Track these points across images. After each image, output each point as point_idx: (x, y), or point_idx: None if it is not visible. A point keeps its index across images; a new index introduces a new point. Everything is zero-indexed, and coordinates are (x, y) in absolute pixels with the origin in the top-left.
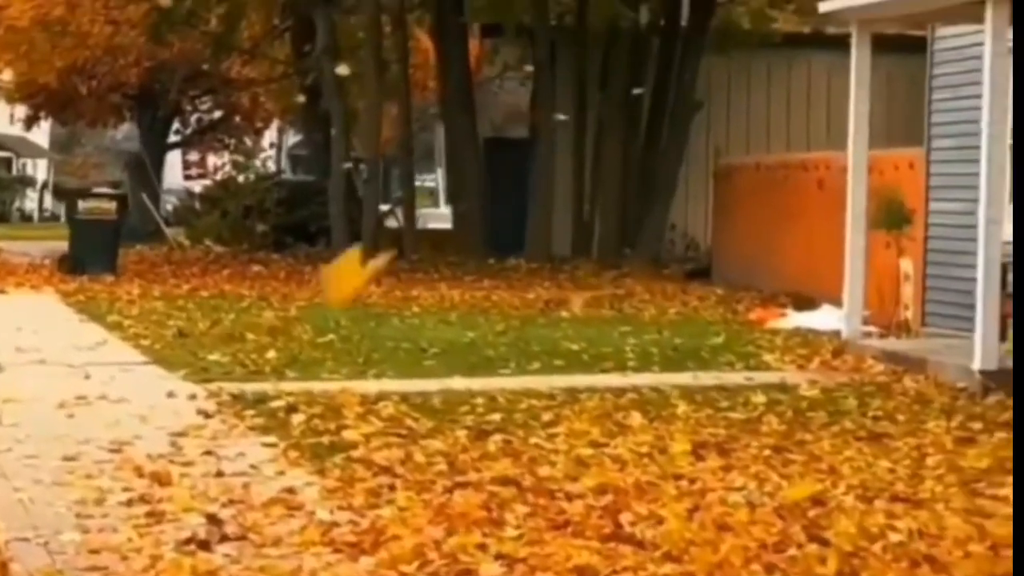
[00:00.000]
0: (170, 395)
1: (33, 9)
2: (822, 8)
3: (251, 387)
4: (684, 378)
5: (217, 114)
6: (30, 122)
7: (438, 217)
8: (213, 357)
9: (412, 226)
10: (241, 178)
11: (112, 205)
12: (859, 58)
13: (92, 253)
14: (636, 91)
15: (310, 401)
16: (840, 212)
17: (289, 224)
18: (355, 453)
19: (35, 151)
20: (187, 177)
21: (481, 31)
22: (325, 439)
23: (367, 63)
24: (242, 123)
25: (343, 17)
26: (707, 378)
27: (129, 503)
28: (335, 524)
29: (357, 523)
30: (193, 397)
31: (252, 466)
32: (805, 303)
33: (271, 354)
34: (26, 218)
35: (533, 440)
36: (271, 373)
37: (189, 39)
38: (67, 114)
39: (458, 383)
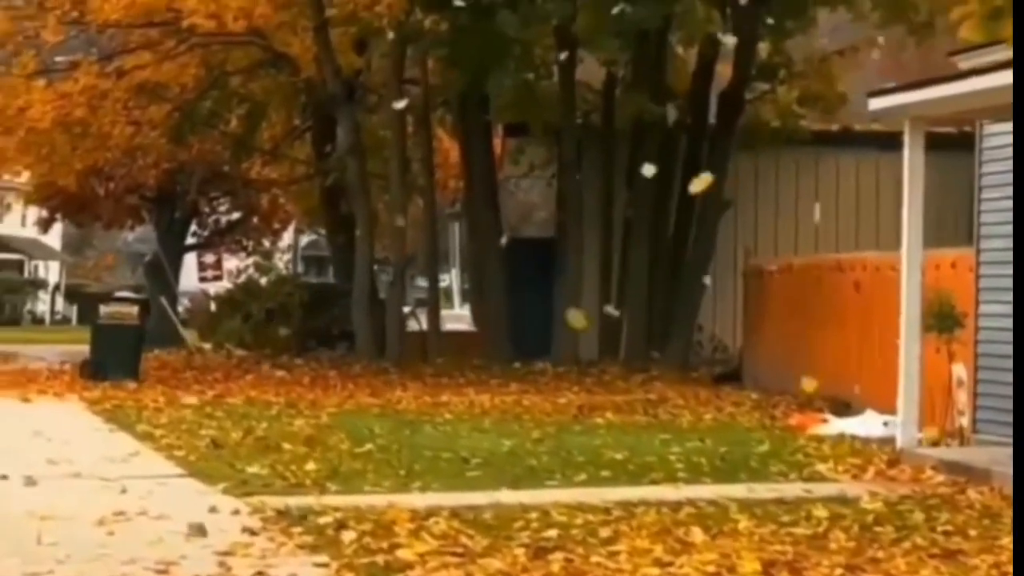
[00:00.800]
0: (212, 510)
1: (55, 110)
2: (873, 105)
3: (294, 501)
4: (739, 490)
5: (235, 215)
6: (46, 224)
7: (454, 318)
8: (252, 469)
9: (436, 329)
10: (263, 280)
11: (134, 310)
12: (912, 156)
13: (114, 358)
14: (647, 171)
15: (358, 517)
16: (878, 314)
17: (312, 328)
18: (412, 574)
19: (47, 253)
20: (202, 279)
21: (504, 130)
22: (379, 559)
23: (391, 162)
24: (260, 224)
25: (365, 116)
26: (763, 490)
27: None
28: None
29: None
30: (236, 512)
31: None
32: (842, 408)
33: (310, 465)
34: (37, 320)
35: (594, 559)
36: (313, 486)
37: (208, 140)
38: (83, 216)
39: (507, 496)
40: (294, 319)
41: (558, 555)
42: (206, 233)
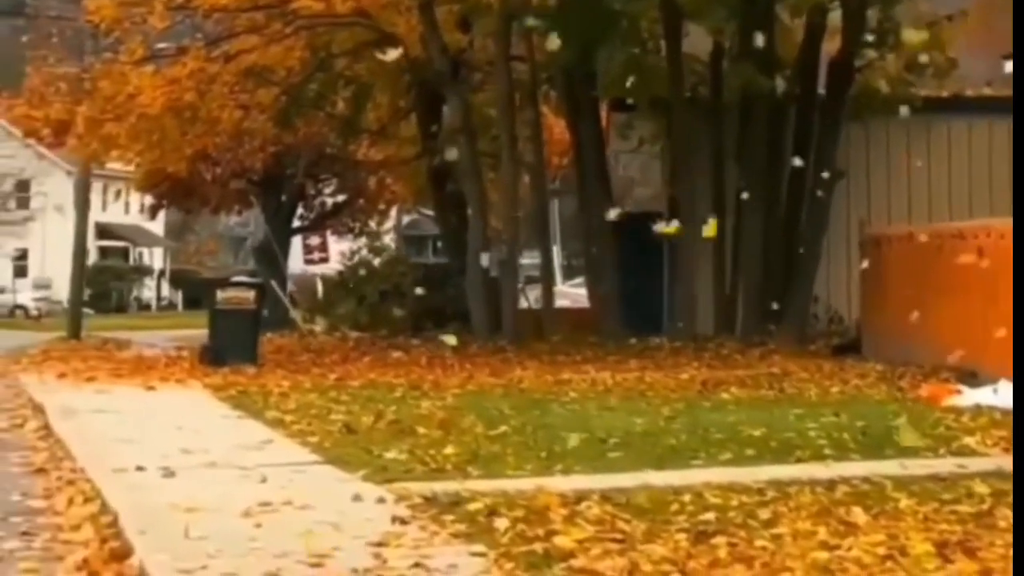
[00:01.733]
0: (356, 499)
1: (164, 95)
2: (1009, 68)
3: (440, 488)
4: (891, 467)
5: (341, 197)
6: (153, 211)
7: (559, 295)
8: (389, 455)
9: (550, 306)
10: (376, 262)
11: (251, 294)
12: None
13: (232, 344)
14: (797, 163)
15: (509, 503)
16: (1003, 282)
17: (425, 308)
18: (575, 563)
19: (150, 240)
20: (308, 261)
21: (610, 105)
22: (537, 547)
23: (501, 139)
24: (366, 205)
25: (470, 95)
26: (916, 467)
27: None
28: None
29: None
30: (382, 501)
31: None
32: (968, 378)
33: (449, 450)
34: (144, 307)
35: (759, 543)
36: (454, 471)
37: (315, 122)
38: (191, 201)
39: (655, 478)
40: (408, 300)
41: (720, 539)
42: (312, 216)
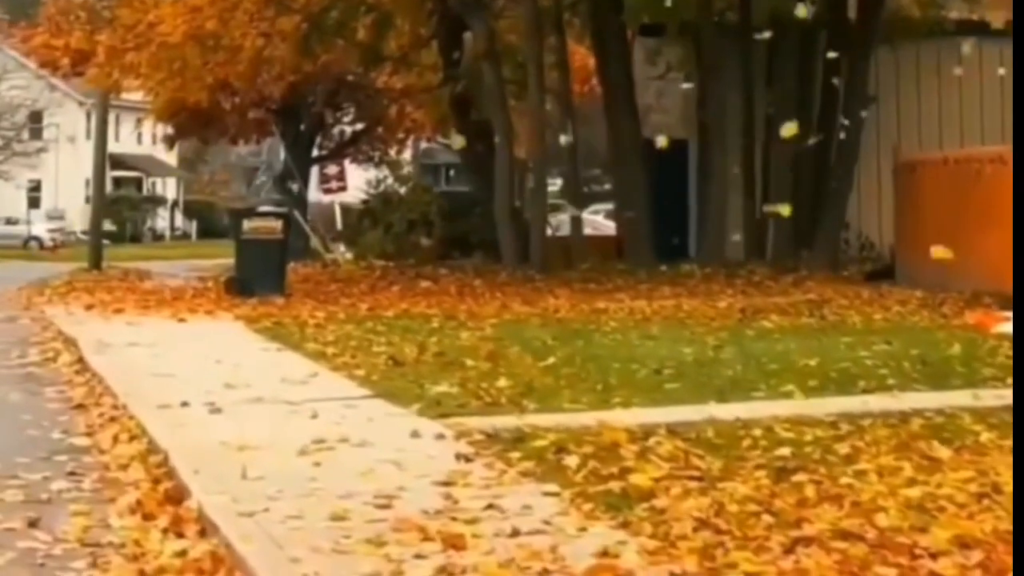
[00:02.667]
0: (415, 435)
1: (186, 24)
2: None
3: (498, 423)
4: (963, 398)
5: (360, 126)
6: (171, 141)
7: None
8: (440, 388)
9: (580, 234)
10: (403, 191)
11: (278, 224)
12: None
13: (260, 274)
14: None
15: (574, 439)
16: None
17: (451, 237)
18: (657, 503)
19: (163, 170)
20: (326, 191)
21: (636, 31)
22: (612, 485)
23: (528, 65)
24: (384, 134)
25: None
26: (990, 397)
27: None
28: None
29: None
30: (441, 437)
31: (545, 521)
32: (1010, 303)
33: (502, 383)
34: (158, 237)
35: (844, 480)
36: (508, 405)
37: (334, 50)
38: (209, 131)
39: (719, 411)
40: (435, 229)
41: (802, 477)
42: (331, 145)
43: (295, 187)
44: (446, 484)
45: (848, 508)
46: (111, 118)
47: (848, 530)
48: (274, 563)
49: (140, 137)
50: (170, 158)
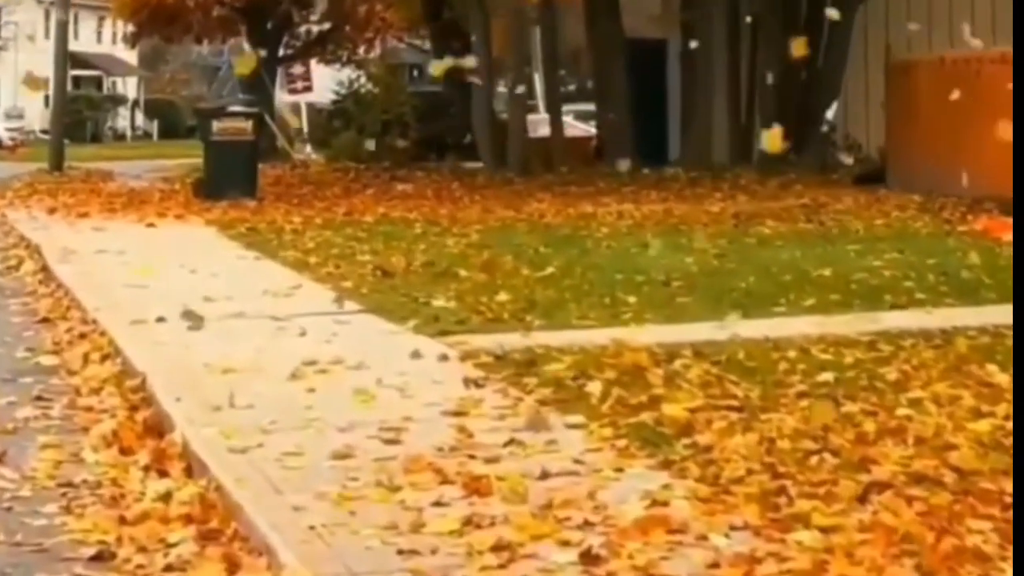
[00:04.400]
0: (415, 355)
1: None
2: None
3: (505, 342)
4: (1002, 315)
5: (328, 25)
6: (134, 39)
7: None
8: (437, 302)
9: (560, 136)
10: (376, 90)
11: (248, 124)
12: None
13: (230, 176)
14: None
15: (592, 361)
16: None
17: (426, 139)
18: (699, 439)
19: (124, 69)
20: (291, 91)
21: None
22: (645, 417)
23: None
24: (352, 34)
25: None
26: None
27: (460, 532)
28: (755, 559)
29: (783, 557)
30: (444, 358)
31: (576, 460)
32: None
33: (502, 296)
34: (119, 137)
35: (900, 411)
36: (512, 320)
37: None
38: (172, 30)
39: (743, 328)
40: (411, 130)
41: (852, 406)
42: (298, 44)
43: (263, 86)
44: (457, 414)
45: (914, 445)
46: (70, 16)
47: (923, 473)
48: (274, 512)
49: (100, 36)
50: (130, 57)
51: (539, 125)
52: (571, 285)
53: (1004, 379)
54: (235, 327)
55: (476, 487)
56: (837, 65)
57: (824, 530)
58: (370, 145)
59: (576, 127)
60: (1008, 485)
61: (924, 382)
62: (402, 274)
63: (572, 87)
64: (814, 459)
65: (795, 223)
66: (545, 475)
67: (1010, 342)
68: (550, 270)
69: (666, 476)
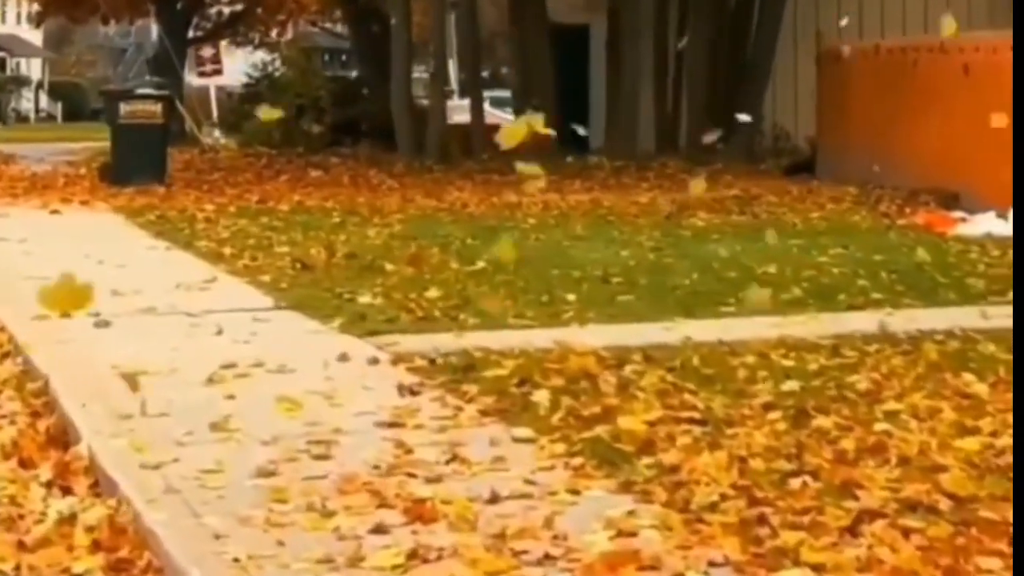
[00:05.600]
0: (343, 359)
1: None
2: None
3: (439, 343)
4: (967, 316)
5: (239, 7)
6: (40, 19)
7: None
8: (363, 299)
9: (481, 123)
10: (291, 74)
11: (158, 107)
12: None
13: (138, 161)
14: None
15: (536, 366)
16: (993, 101)
17: (342, 124)
18: (664, 458)
19: (28, 50)
20: (201, 74)
21: None
22: (600, 431)
23: None
24: (264, 16)
25: None
26: (998, 316)
27: (404, 567)
28: None
29: None
30: (375, 361)
31: (527, 480)
32: (950, 201)
33: (432, 293)
34: (22, 119)
35: (878, 426)
36: (445, 319)
37: None
38: (79, 11)
39: (693, 330)
40: (326, 115)
41: (824, 420)
42: (209, 26)
43: (173, 69)
44: (392, 425)
45: (899, 465)
46: None
47: (915, 499)
48: (193, 542)
49: (4, 15)
50: (35, 38)
51: (454, 111)
52: (504, 280)
53: (982, 389)
54: (146, 324)
55: (419, 512)
56: (767, 52)
57: (816, 568)
58: (270, 114)
59: (492, 114)
60: (1010, 514)
61: (898, 393)
62: (323, 267)
63: (485, 73)
64: (793, 482)
65: (728, 215)
66: (495, 498)
67: (982, 348)
68: (480, 264)
69: (630, 500)
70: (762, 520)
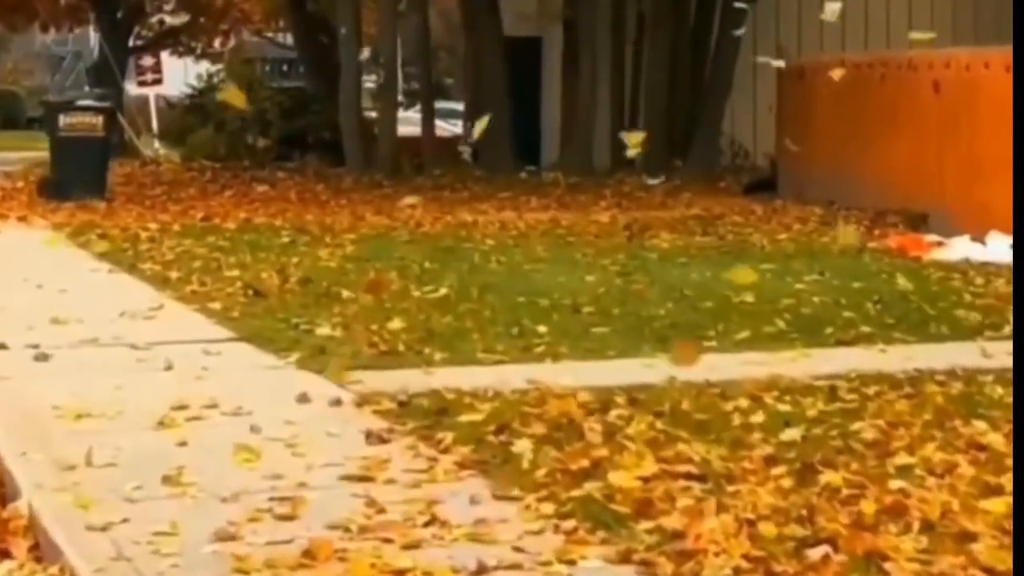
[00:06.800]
0: (303, 399)
1: None
2: None
3: (406, 381)
4: (966, 354)
5: (183, 16)
6: None
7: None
8: (322, 331)
9: (431, 136)
10: (234, 87)
11: (99, 119)
12: None
13: (78, 175)
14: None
15: (514, 411)
16: (964, 119)
17: (289, 137)
18: (665, 522)
19: None
20: (141, 83)
21: None
22: (590, 488)
23: None
24: (208, 25)
25: None
26: (999, 353)
27: None
28: None
29: None
30: (338, 403)
31: (516, 548)
32: (918, 222)
33: (395, 324)
34: None
35: (893, 483)
36: (410, 354)
37: None
38: (17, 17)
39: (678, 370)
40: (273, 129)
41: (832, 475)
42: (150, 35)
43: (113, 79)
44: (361, 479)
45: (923, 531)
46: None
47: (950, 574)
48: None
49: None
50: None
51: (399, 124)
52: (470, 310)
53: (997, 440)
54: (88, 357)
55: None
56: (727, 66)
57: None
58: (235, 97)
59: (439, 127)
60: None
61: (908, 444)
62: (277, 293)
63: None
64: (811, 553)
65: (691, 236)
66: (482, 570)
67: (989, 391)
68: (443, 291)
69: (632, 573)
70: None
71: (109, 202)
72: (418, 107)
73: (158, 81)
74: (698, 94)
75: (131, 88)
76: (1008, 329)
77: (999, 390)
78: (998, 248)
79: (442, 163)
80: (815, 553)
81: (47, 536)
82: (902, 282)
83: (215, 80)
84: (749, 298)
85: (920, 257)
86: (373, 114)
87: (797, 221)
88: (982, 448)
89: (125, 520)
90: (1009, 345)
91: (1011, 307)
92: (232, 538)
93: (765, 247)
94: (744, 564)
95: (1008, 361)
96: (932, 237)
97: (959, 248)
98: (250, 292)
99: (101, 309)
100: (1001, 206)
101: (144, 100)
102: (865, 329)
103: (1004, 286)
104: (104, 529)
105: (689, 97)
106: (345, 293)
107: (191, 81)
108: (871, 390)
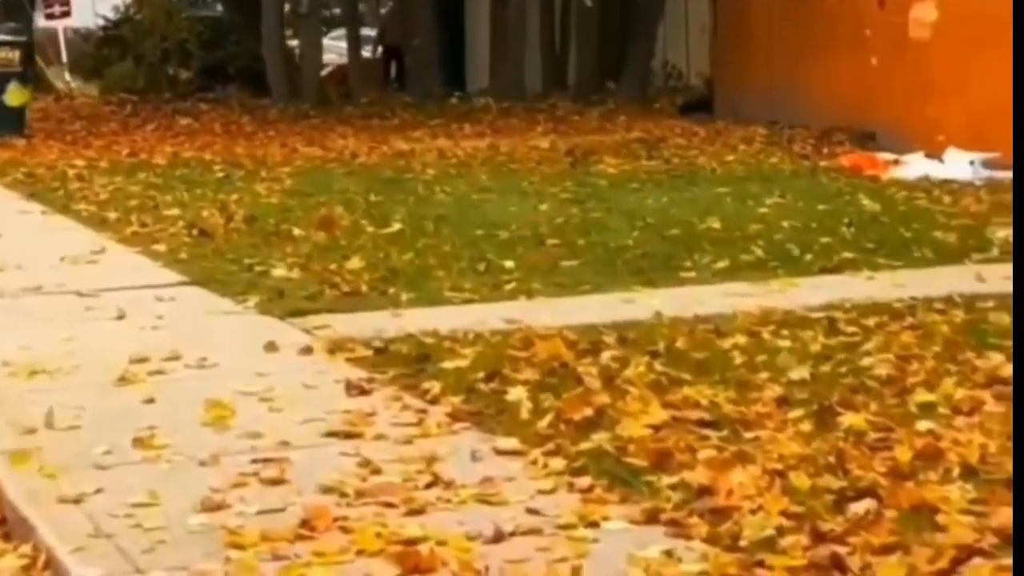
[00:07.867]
0: (270, 348)
1: None
2: None
3: (378, 324)
4: (960, 279)
5: None
6: None
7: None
8: (278, 271)
9: (358, 63)
10: (154, 16)
11: (16, 54)
12: None
13: None
14: None
15: (498, 354)
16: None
17: (210, 68)
18: (688, 476)
19: None
20: (48, 16)
21: None
22: (598, 439)
23: None
24: None
25: None
26: (994, 278)
27: None
28: None
29: None
30: (307, 351)
31: (530, 510)
32: (866, 140)
33: (354, 263)
34: None
35: (920, 424)
36: (375, 295)
37: None
38: None
39: (660, 302)
40: (194, 60)
41: (855, 419)
42: None
43: (23, 10)
44: (348, 435)
45: (965, 477)
46: None
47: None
48: None
49: None
50: None
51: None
52: (429, 246)
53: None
54: (34, 306)
55: (413, 560)
56: None
57: None
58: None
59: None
60: None
61: (924, 380)
62: (223, 233)
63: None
64: (854, 507)
65: (637, 160)
66: (500, 536)
67: (995, 318)
68: (397, 226)
69: (661, 535)
70: (838, 563)
71: (28, 139)
72: (333, 34)
73: (66, 14)
74: (629, 15)
75: (39, 20)
76: (996, 251)
77: (1005, 317)
78: (957, 165)
79: (367, 91)
80: (859, 507)
81: (15, 511)
82: (868, 203)
83: (131, 12)
84: (716, 224)
85: (878, 176)
86: (294, 42)
87: (742, 142)
88: (1003, 382)
89: (99, 490)
90: (1002, 268)
91: (987, 227)
92: (219, 507)
93: (715, 169)
94: (785, 522)
95: (1001, 284)
96: (886, 155)
97: (916, 166)
98: (194, 232)
99: (40, 254)
100: (956, 122)
101: (53, 32)
102: (847, 255)
103: (974, 204)
104: (77, 502)
105: (620, 18)
106: (296, 231)
107: (101, 11)
108: (871, 321)
